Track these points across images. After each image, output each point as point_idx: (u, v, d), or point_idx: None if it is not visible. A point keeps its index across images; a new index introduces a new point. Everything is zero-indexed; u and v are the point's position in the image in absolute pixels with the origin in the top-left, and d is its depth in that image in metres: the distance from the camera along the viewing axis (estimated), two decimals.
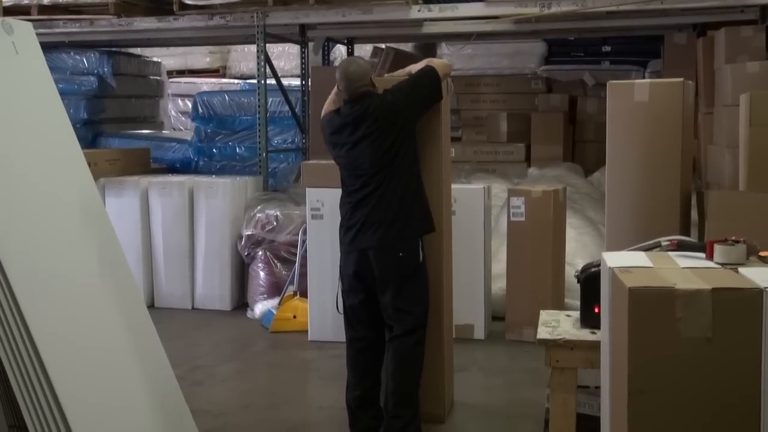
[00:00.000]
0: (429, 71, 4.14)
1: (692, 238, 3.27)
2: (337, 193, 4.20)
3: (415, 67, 4.23)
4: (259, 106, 7.64)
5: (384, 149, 3.95)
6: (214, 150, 8.68)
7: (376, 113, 3.96)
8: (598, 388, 3.11)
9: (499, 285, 6.13)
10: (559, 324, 3.06)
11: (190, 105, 9.86)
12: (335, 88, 4.21)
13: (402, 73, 4.29)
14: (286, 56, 10.74)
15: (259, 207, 6.85)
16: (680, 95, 3.93)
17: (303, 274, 6.14)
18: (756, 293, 1.94)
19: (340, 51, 10.20)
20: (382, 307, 4.03)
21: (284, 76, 9.04)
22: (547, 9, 6.78)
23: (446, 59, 9.99)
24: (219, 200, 6.89)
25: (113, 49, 9.45)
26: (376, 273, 3.98)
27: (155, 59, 10.70)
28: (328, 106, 4.26)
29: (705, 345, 1.95)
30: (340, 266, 4.19)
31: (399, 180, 3.96)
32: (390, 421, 3.99)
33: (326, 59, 9.12)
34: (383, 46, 9.50)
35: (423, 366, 4.10)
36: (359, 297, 4.08)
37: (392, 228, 3.95)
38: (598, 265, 2.76)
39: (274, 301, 6.40)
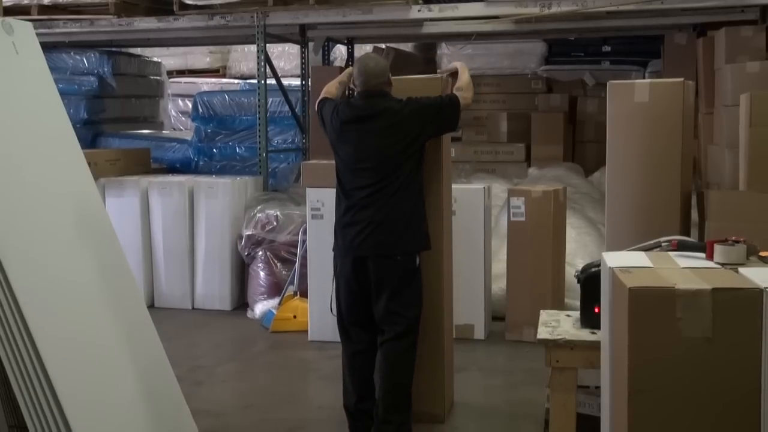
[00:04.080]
0: (456, 104, 4.03)
1: (692, 239, 3.27)
2: None
3: (460, 80, 4.16)
4: (259, 106, 7.63)
5: (389, 154, 3.91)
6: (214, 150, 8.68)
7: (392, 119, 3.93)
8: (598, 388, 3.11)
9: (499, 285, 6.13)
10: (559, 324, 3.06)
11: (190, 105, 9.86)
12: (341, 76, 4.21)
13: (446, 71, 4.35)
14: (286, 56, 10.73)
15: (259, 207, 6.85)
16: (680, 95, 3.92)
17: (303, 274, 6.14)
18: (756, 293, 1.95)
19: (340, 51, 10.19)
20: (375, 310, 3.99)
21: (284, 76, 9.03)
22: (547, 9, 6.78)
23: (446, 59, 10.05)
24: (219, 200, 6.89)
25: (113, 49, 9.45)
26: (372, 278, 3.95)
27: (155, 59, 10.69)
28: (331, 90, 4.21)
29: (705, 345, 1.95)
30: (334, 267, 4.15)
31: (401, 190, 3.91)
32: (380, 427, 3.96)
33: (326, 59, 9.11)
34: (383, 46, 9.50)
35: (414, 370, 4.03)
36: (355, 299, 4.03)
37: (391, 235, 3.90)
38: (599, 265, 2.76)
39: (274, 301, 6.40)
